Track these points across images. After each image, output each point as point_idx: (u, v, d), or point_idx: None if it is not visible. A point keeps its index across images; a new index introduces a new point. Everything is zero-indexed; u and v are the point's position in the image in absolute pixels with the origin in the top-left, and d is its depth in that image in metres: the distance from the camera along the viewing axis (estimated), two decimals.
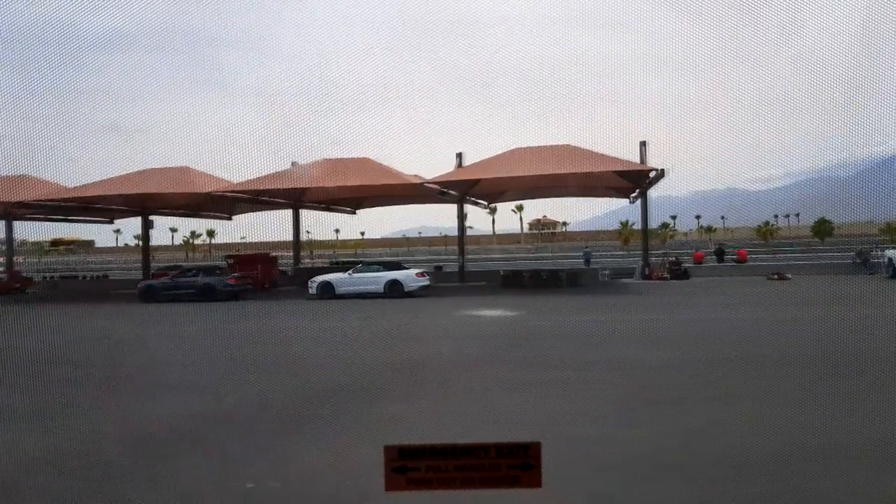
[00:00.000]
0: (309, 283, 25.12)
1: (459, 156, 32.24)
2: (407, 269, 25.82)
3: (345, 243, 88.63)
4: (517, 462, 1.23)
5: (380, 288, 24.27)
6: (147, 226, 36.84)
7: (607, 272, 31.59)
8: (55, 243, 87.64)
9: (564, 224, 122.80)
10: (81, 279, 42.54)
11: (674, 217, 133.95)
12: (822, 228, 60.60)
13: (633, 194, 32.47)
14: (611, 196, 35.02)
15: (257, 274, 29.72)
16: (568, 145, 28.38)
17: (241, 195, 30.89)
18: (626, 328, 15.29)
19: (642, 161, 32.36)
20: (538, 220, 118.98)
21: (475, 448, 1.24)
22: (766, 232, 63.42)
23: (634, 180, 28.81)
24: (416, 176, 31.06)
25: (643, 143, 32.29)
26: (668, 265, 30.82)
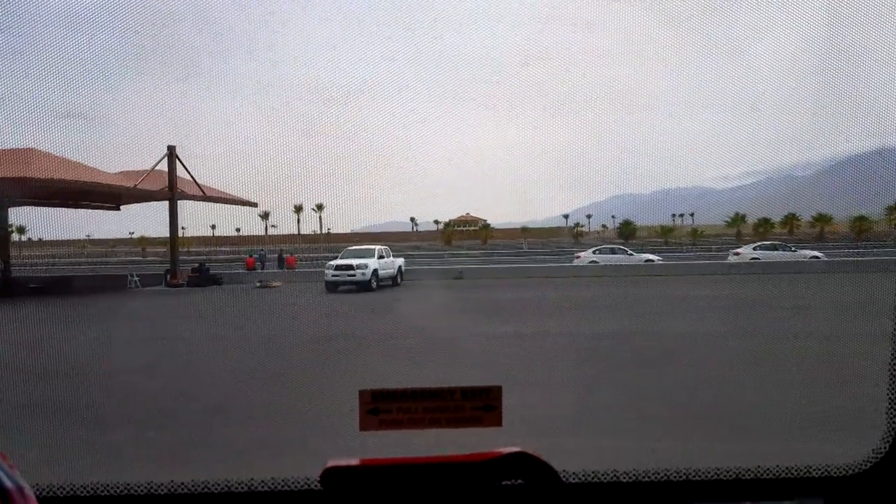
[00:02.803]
0: None
1: None
2: None
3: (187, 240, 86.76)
4: (480, 404, 1.29)
5: None
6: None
7: (137, 279, 29.93)
8: None
9: (486, 222, 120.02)
10: None
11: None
12: (626, 230, 57.55)
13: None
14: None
15: None
16: (32, 149, 26.78)
17: None
18: None
19: (170, 168, 30.58)
20: (460, 218, 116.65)
21: (442, 392, 1.30)
22: (577, 233, 60.61)
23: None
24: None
25: (171, 147, 30.45)
26: (188, 271, 29.36)
